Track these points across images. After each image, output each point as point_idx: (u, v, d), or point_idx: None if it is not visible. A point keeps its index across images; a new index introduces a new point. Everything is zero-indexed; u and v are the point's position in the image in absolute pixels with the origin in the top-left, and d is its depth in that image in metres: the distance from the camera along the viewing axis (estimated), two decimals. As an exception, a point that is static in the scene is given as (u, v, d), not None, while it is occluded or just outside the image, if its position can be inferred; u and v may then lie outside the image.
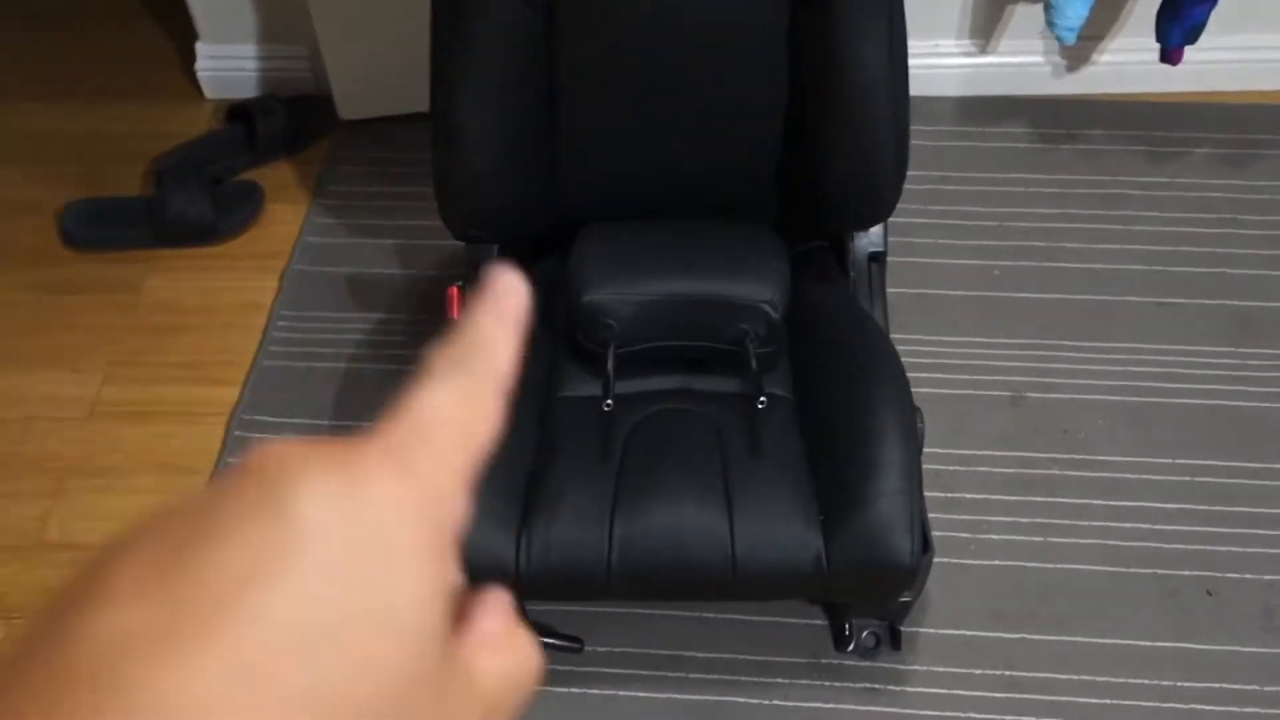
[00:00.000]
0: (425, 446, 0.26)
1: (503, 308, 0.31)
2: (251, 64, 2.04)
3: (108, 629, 0.21)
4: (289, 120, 1.94)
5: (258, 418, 1.59)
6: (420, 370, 0.28)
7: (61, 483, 1.55)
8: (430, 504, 0.26)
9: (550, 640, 1.32)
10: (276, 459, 0.24)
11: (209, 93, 2.08)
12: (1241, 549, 1.42)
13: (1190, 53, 1.81)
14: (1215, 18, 1.75)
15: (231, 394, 1.63)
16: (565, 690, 1.32)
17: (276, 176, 1.93)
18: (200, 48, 2.04)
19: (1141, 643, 1.35)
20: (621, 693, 1.32)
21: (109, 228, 1.82)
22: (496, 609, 0.28)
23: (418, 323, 1.69)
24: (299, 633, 0.22)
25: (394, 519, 0.24)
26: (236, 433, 1.57)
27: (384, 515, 0.24)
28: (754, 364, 1.19)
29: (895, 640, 1.34)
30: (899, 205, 1.32)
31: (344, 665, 0.22)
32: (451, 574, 0.27)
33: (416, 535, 0.25)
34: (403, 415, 0.27)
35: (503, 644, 0.27)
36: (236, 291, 1.76)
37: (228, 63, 2.04)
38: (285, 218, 1.87)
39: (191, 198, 1.79)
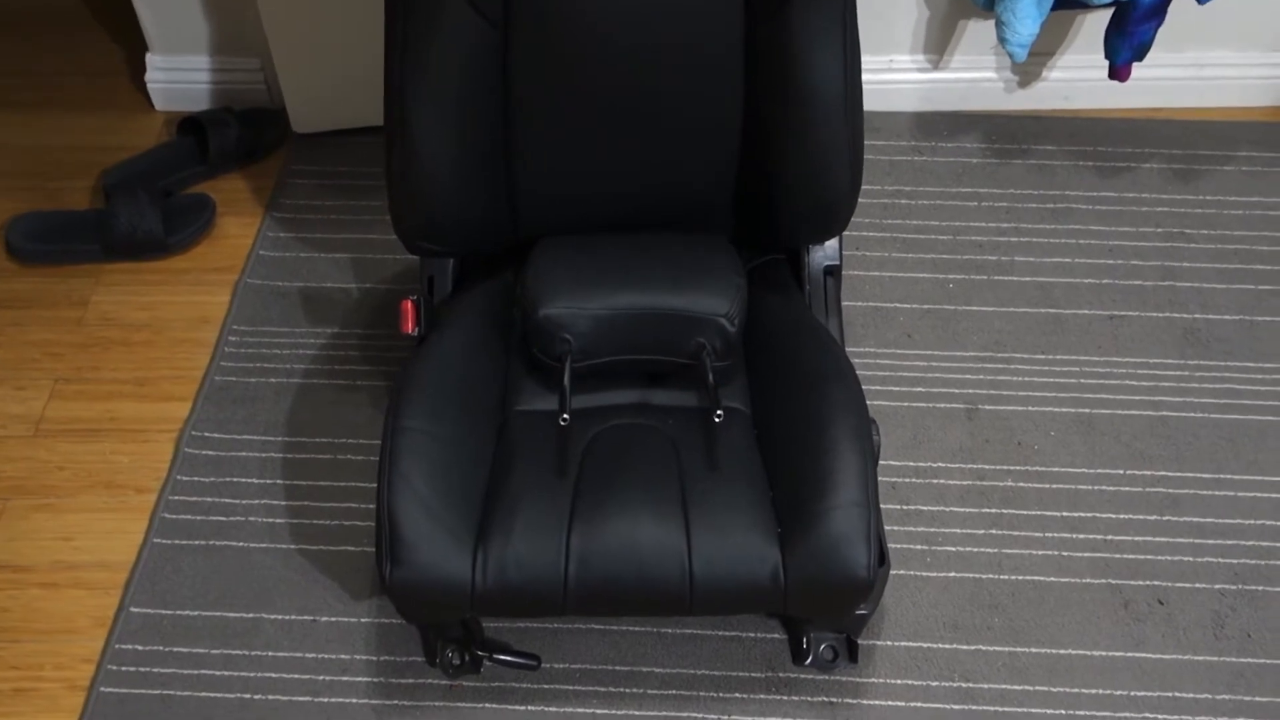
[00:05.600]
0: None
1: None
2: (203, 76, 2.01)
3: None
4: (241, 133, 1.92)
5: (209, 434, 1.57)
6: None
7: (4, 502, 1.51)
8: None
9: (506, 658, 1.31)
10: None
11: (159, 105, 2.05)
12: (1192, 558, 1.44)
13: (1138, 69, 1.84)
14: (1162, 35, 1.78)
15: (182, 410, 1.60)
16: (522, 708, 1.31)
17: (229, 190, 1.90)
18: (150, 59, 2.02)
19: (1095, 653, 1.36)
20: (579, 710, 1.31)
21: (56, 241, 1.79)
22: None
23: (371, 337, 1.68)
24: None
25: None
26: (187, 450, 1.55)
27: None
28: (711, 377, 1.19)
29: (852, 653, 1.34)
30: (854, 219, 1.33)
31: None
32: None
33: None
34: None
35: None
36: (187, 306, 1.74)
37: (179, 74, 2.02)
38: (237, 231, 1.85)
39: (141, 211, 1.76)
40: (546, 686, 1.33)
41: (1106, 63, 1.81)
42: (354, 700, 1.32)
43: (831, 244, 1.40)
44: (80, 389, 1.64)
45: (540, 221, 1.34)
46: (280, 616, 1.39)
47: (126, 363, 1.67)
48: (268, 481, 1.52)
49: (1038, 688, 1.33)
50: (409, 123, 1.21)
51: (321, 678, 1.34)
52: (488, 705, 1.31)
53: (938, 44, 1.98)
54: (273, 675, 1.34)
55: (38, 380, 1.65)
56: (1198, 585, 1.42)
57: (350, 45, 1.81)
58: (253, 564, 1.44)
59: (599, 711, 1.31)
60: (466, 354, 1.28)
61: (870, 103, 1.28)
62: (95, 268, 1.79)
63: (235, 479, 1.52)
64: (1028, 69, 2.00)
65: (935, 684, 1.34)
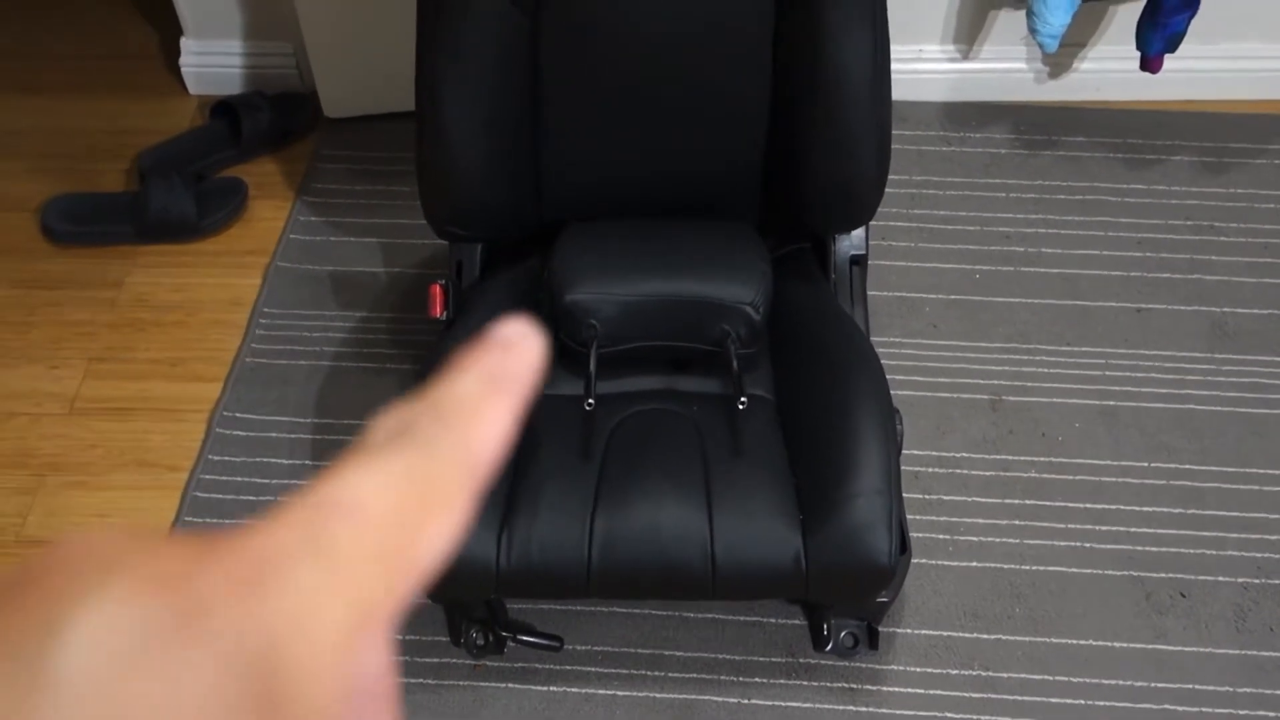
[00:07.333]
0: (326, 558, 0.17)
1: (503, 367, 0.21)
2: (236, 60, 2.04)
3: None
4: (274, 117, 1.94)
5: (239, 415, 1.59)
6: (359, 442, 0.20)
7: (40, 479, 1.54)
8: (312, 660, 0.16)
9: (529, 639, 1.32)
10: (73, 562, 0.16)
11: (193, 89, 2.07)
12: (1215, 551, 1.44)
13: (1170, 61, 1.82)
14: (1195, 27, 1.76)
15: (213, 391, 1.63)
16: (544, 689, 1.32)
17: (260, 173, 1.92)
18: (185, 43, 2.04)
19: (1115, 644, 1.36)
20: (600, 691, 1.33)
21: (91, 223, 1.82)
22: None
23: (400, 321, 1.70)
24: None
25: (217, 687, 0.15)
26: (218, 430, 1.57)
27: (200, 682, 0.15)
28: (735, 365, 1.20)
29: (873, 640, 1.34)
30: (881, 209, 1.33)
31: None
32: None
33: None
34: (307, 504, 0.18)
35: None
36: (219, 288, 1.76)
37: (213, 59, 2.04)
38: (269, 214, 1.87)
39: (174, 194, 1.79)
40: (569, 667, 1.34)
41: (1138, 54, 1.80)
42: (379, 678, 1.34)
43: (858, 233, 1.40)
44: (114, 369, 1.66)
45: (567, 207, 1.35)
46: (308, 595, 1.41)
47: (159, 343, 1.69)
48: (297, 462, 1.54)
49: (1058, 678, 1.34)
50: (439, 109, 1.22)
51: (348, 655, 1.36)
52: (511, 685, 1.33)
53: (968, 34, 1.97)
54: (300, 652, 1.36)
55: (72, 360, 1.68)
56: (1220, 578, 1.42)
57: (382, 31, 1.82)
58: (281, 543, 1.46)
59: (620, 693, 1.32)
60: (494, 338, 1.29)
61: (899, 92, 1.28)
62: (129, 249, 1.81)
63: (265, 459, 1.54)
64: (1058, 60, 1.99)
65: (955, 672, 1.34)
